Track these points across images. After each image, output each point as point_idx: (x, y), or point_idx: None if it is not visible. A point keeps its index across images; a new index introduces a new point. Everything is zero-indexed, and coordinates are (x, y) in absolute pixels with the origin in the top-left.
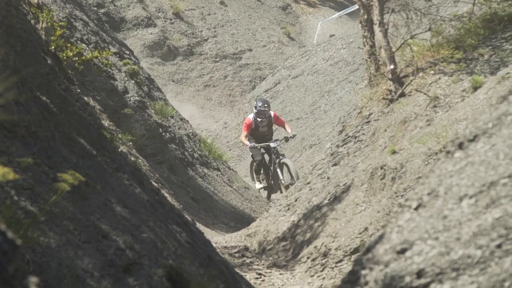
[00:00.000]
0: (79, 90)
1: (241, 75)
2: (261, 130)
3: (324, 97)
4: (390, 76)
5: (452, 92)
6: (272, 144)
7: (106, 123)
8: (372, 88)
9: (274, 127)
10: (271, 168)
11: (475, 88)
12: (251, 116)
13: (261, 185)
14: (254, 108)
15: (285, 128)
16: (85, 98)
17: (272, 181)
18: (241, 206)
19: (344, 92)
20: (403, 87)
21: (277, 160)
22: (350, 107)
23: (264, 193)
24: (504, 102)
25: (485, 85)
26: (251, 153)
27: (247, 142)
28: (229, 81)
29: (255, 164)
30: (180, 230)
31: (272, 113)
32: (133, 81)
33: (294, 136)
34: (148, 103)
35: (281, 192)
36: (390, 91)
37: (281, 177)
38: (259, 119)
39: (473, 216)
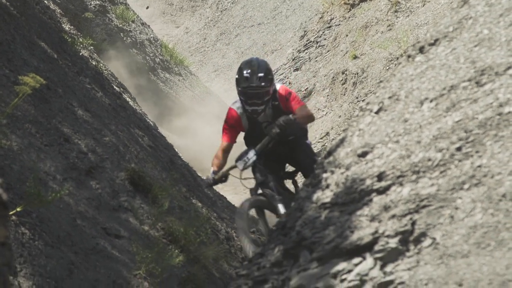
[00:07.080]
0: None
1: None
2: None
3: (285, 2)
4: None
5: None
6: (239, 165)
7: (66, 27)
8: None
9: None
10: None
11: None
12: (235, 106)
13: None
14: (236, 85)
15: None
16: (45, 1)
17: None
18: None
19: None
20: None
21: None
22: (312, 12)
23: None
24: (465, 6)
25: None
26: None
27: (209, 173)
28: None
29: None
30: (142, 134)
31: (278, 86)
32: None
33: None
34: (109, 8)
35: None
36: None
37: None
38: (249, 108)
39: (434, 119)
